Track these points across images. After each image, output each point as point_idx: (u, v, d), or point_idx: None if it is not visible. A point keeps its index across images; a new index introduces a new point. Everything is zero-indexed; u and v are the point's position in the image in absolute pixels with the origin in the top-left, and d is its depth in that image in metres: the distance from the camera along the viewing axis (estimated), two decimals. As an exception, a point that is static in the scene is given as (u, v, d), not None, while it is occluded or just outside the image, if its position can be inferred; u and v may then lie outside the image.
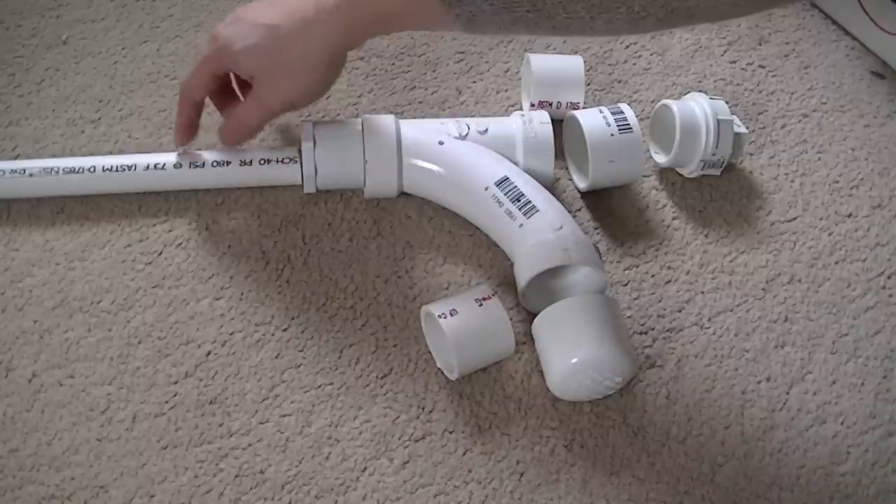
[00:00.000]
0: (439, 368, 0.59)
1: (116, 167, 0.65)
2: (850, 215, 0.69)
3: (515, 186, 0.61)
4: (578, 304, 0.57)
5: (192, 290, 0.62)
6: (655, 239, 0.66)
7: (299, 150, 0.65)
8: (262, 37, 0.58)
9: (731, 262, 0.65)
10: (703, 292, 0.64)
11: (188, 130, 0.64)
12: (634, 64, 0.77)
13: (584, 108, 0.69)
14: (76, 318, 0.61)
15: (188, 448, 0.56)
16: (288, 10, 0.57)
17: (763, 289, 0.64)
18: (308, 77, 0.59)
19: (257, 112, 0.62)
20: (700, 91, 0.71)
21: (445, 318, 0.56)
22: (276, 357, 0.60)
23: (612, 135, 0.64)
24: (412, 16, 0.56)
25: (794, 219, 0.68)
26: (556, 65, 0.71)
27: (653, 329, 0.62)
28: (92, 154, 0.68)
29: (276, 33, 0.57)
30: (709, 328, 0.62)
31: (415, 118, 0.71)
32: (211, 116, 0.72)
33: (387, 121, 0.65)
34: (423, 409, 0.58)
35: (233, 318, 0.61)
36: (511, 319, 0.58)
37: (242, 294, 0.62)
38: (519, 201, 0.61)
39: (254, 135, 0.64)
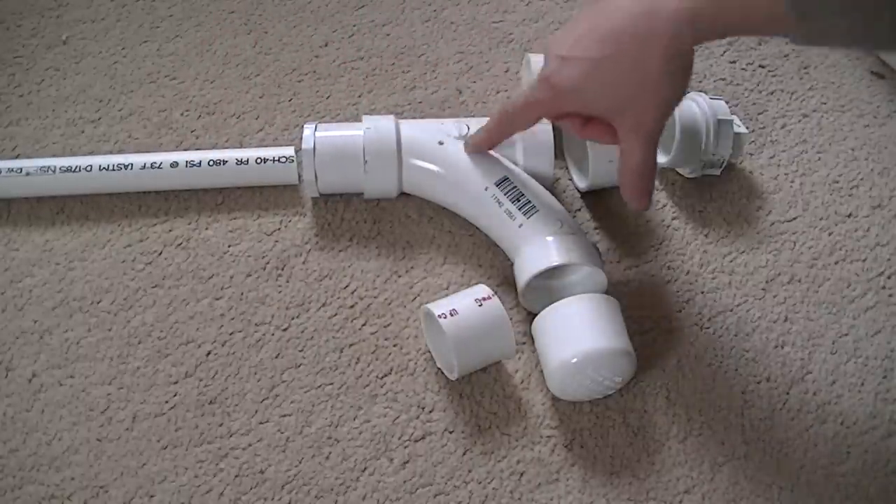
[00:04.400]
0: (439, 368, 0.59)
1: (113, 166, 0.65)
2: (850, 215, 0.69)
3: (515, 186, 0.61)
4: (578, 303, 0.57)
5: (192, 290, 0.62)
6: (655, 239, 0.66)
7: (297, 151, 0.65)
8: (603, 73, 0.53)
9: (731, 262, 0.65)
10: (703, 292, 0.64)
11: (488, 148, 0.63)
12: (634, 64, 0.76)
13: (584, 108, 0.69)
14: (76, 318, 0.61)
15: (188, 448, 0.56)
16: (619, 32, 0.52)
17: (763, 289, 0.64)
18: (665, 92, 0.53)
19: (640, 148, 0.55)
20: (700, 91, 0.71)
21: (445, 318, 0.56)
22: (276, 357, 0.60)
23: (612, 135, 0.64)
24: (756, 26, 0.50)
25: (794, 219, 0.68)
26: (556, 65, 0.71)
27: (653, 329, 0.62)
28: (92, 154, 0.68)
29: (616, 65, 0.52)
30: (709, 328, 0.62)
31: (415, 118, 0.71)
32: (212, 117, 0.72)
33: (386, 121, 0.65)
34: (423, 409, 0.58)
35: (233, 318, 0.61)
36: (511, 319, 0.58)
37: (242, 294, 0.62)
38: (518, 201, 0.61)
39: (653, 174, 0.57)
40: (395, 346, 0.61)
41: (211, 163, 0.66)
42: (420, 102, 0.73)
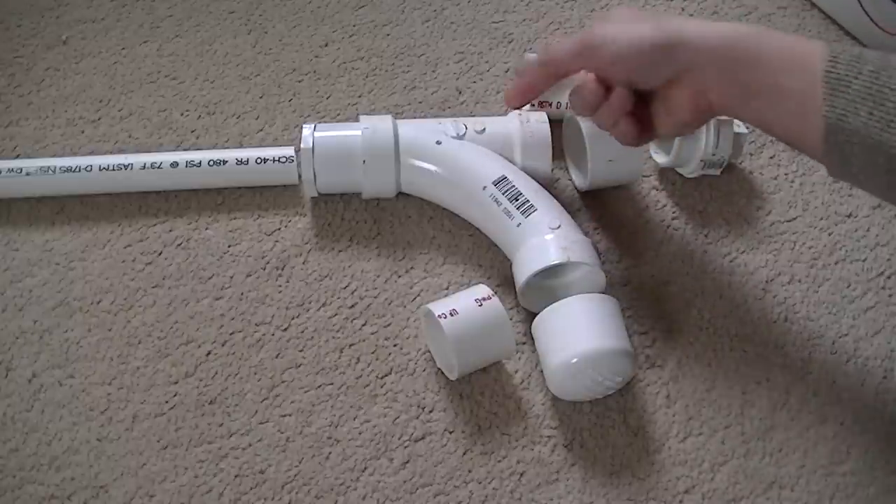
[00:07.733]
0: (439, 368, 0.59)
1: (113, 166, 0.65)
2: (850, 215, 0.68)
3: (513, 185, 0.61)
4: (578, 303, 0.57)
5: (192, 290, 0.62)
6: (655, 239, 0.66)
7: (297, 151, 0.65)
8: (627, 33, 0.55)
9: (731, 262, 0.65)
10: (703, 292, 0.64)
11: (525, 98, 0.63)
12: (634, 64, 0.76)
13: (583, 108, 0.69)
14: (76, 318, 0.61)
15: (188, 448, 0.56)
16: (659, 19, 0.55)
17: (763, 289, 0.64)
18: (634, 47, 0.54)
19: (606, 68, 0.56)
20: (700, 91, 0.71)
21: (445, 318, 0.56)
22: (276, 357, 0.60)
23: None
24: (785, 113, 0.50)
25: (794, 219, 0.68)
26: (556, 65, 0.71)
27: (653, 329, 0.62)
28: (92, 154, 0.68)
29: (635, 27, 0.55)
30: (709, 328, 0.62)
31: (415, 118, 0.71)
32: (212, 117, 0.72)
33: (384, 121, 0.65)
34: (423, 409, 0.58)
35: (233, 318, 0.61)
36: (511, 319, 0.58)
37: (242, 294, 0.62)
38: (517, 200, 0.61)
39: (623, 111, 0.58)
40: (395, 346, 0.61)
41: (211, 163, 0.66)
42: (420, 102, 0.73)
